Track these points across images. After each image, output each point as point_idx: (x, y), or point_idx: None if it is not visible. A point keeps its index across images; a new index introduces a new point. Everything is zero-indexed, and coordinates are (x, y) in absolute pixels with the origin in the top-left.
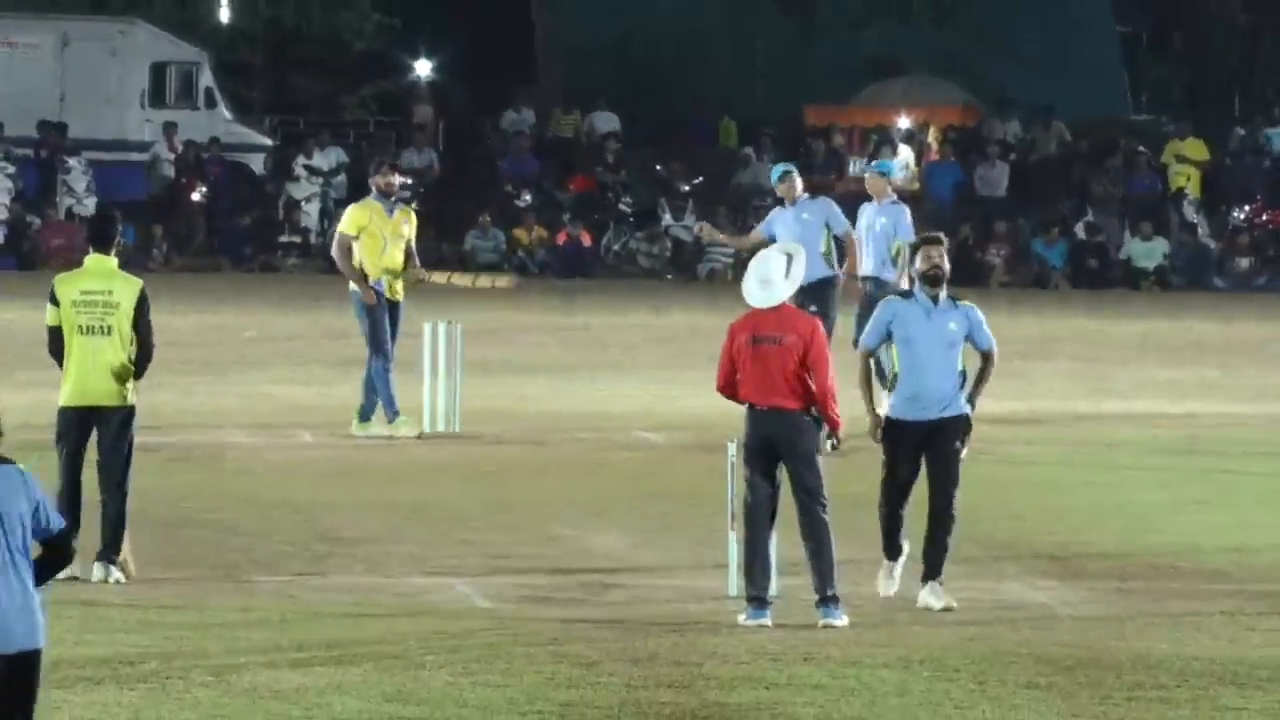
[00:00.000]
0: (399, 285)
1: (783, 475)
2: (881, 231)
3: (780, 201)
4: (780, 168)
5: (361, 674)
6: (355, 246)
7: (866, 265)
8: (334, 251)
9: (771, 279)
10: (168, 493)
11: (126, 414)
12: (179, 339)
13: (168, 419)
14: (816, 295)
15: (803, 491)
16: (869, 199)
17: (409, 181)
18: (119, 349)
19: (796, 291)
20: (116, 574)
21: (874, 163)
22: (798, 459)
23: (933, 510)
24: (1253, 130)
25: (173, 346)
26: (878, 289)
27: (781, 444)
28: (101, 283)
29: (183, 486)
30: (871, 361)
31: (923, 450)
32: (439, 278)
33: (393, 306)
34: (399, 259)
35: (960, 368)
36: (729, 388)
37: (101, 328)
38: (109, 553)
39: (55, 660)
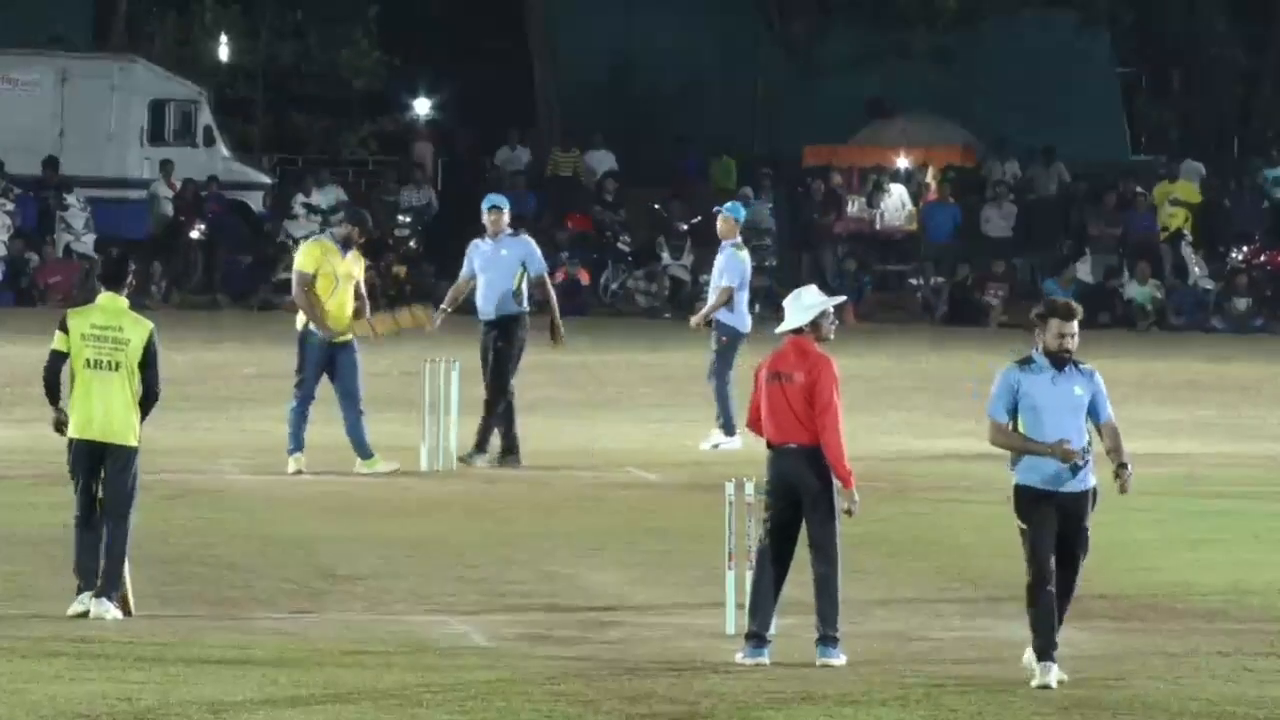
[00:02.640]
0: (346, 327)
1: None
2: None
3: (483, 231)
4: (490, 200)
5: (359, 712)
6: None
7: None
8: (296, 291)
9: (792, 306)
10: (166, 529)
11: (129, 453)
12: (178, 376)
13: (166, 455)
14: (502, 331)
15: (813, 528)
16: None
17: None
18: (124, 386)
19: (486, 328)
20: (114, 611)
21: (727, 205)
22: (808, 495)
23: (1058, 585)
24: (1251, 170)
25: (172, 383)
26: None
27: (794, 480)
28: (113, 319)
29: (181, 523)
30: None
31: (1057, 521)
32: (360, 328)
33: (343, 348)
34: (349, 300)
35: (1087, 435)
36: (756, 424)
37: (109, 363)
38: (107, 589)
39: (51, 696)
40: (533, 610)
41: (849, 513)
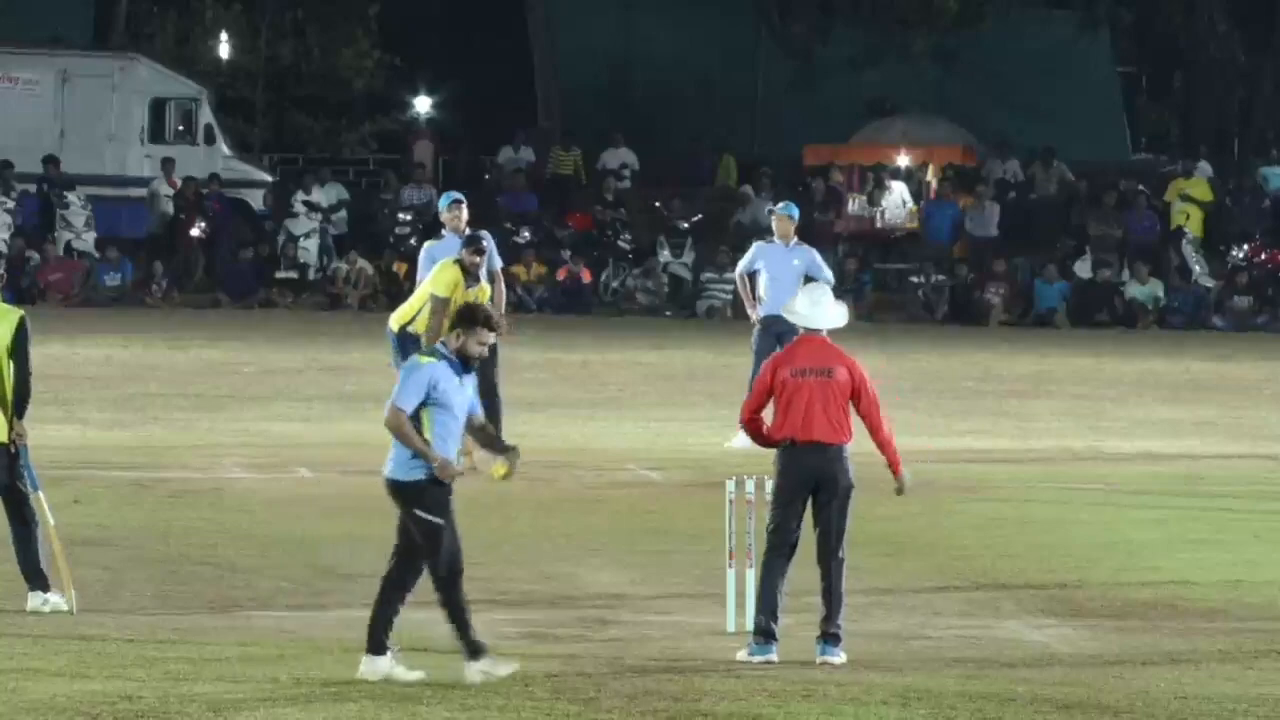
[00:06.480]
0: None
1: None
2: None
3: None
4: (452, 195)
5: (359, 710)
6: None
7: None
8: (432, 314)
9: (821, 302)
10: (166, 529)
11: (9, 448)
12: (178, 374)
13: (166, 455)
14: None
15: (830, 527)
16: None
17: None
18: None
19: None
20: (54, 599)
21: (781, 205)
22: (836, 495)
23: None
24: (1251, 170)
25: (171, 382)
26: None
27: (824, 479)
28: None
29: (181, 522)
30: None
31: None
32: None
33: None
34: None
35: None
36: (755, 423)
37: None
38: (36, 582)
39: (52, 696)
40: (533, 609)
41: (899, 488)
